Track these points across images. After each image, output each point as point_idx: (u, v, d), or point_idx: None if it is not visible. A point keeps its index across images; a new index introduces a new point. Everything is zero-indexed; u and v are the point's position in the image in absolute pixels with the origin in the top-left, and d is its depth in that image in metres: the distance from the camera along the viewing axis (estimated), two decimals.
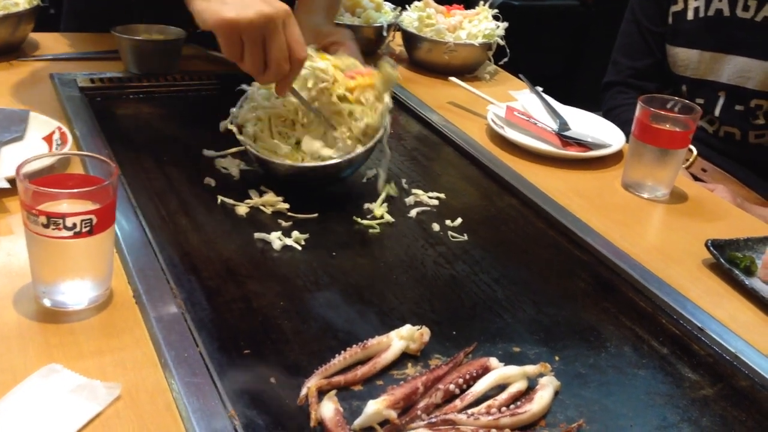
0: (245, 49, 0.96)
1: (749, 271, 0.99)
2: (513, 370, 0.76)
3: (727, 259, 1.00)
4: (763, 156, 1.62)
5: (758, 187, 1.60)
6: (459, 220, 1.06)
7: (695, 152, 1.50)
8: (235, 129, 1.07)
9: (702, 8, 1.59)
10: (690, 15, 1.61)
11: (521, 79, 1.56)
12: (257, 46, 0.95)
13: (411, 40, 1.62)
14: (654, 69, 1.71)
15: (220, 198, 1.03)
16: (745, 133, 1.61)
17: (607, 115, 1.74)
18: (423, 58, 1.60)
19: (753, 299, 0.95)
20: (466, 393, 0.73)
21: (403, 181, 1.14)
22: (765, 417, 0.78)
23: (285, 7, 0.97)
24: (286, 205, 1.03)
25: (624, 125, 1.38)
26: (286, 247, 0.95)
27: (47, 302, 0.78)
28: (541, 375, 0.76)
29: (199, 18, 0.97)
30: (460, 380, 0.74)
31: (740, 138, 1.62)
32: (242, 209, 1.02)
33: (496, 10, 1.65)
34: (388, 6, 1.67)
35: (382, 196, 1.07)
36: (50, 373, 0.69)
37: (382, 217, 1.04)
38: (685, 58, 1.63)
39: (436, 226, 1.04)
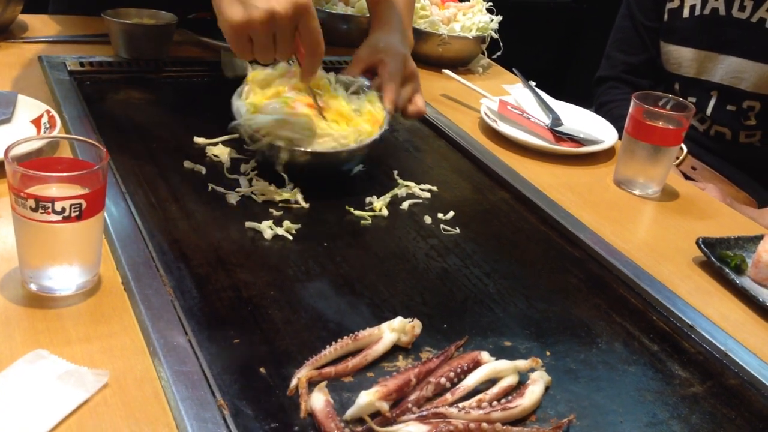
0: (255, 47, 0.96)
1: (739, 270, 0.99)
2: (504, 364, 0.75)
3: (718, 258, 1.00)
4: (753, 156, 1.62)
5: (747, 187, 1.60)
6: (451, 213, 1.05)
7: (685, 150, 1.51)
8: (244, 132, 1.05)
9: (698, 6, 1.59)
10: (686, 13, 1.60)
11: (515, 74, 1.55)
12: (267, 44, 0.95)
13: None
14: (647, 65, 1.71)
15: (210, 186, 1.02)
16: (735, 133, 1.62)
17: (599, 110, 1.74)
18: (416, 49, 1.58)
19: (743, 298, 0.95)
20: (457, 386, 0.73)
21: (395, 173, 1.13)
22: (754, 415, 0.78)
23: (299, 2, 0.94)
24: (283, 193, 1.02)
25: (616, 121, 1.38)
26: (276, 237, 0.94)
27: (34, 287, 0.76)
28: (532, 370, 0.76)
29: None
30: (451, 374, 0.74)
31: (731, 138, 1.63)
32: (233, 197, 1.01)
33: (490, 3, 1.65)
34: None
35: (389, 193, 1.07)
36: (37, 359, 0.68)
37: (380, 210, 1.03)
38: (679, 56, 1.63)
39: (428, 219, 1.04)
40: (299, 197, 1.02)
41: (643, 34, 1.69)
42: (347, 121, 1.06)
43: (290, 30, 0.95)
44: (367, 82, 1.14)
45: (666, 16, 1.64)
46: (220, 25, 0.96)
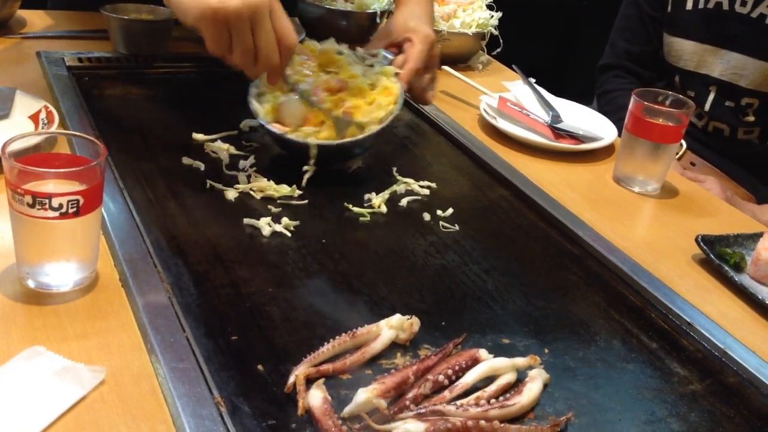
0: (233, 41, 0.94)
1: (739, 268, 0.99)
2: (502, 361, 0.75)
3: (717, 255, 1.00)
4: (752, 152, 1.62)
5: (746, 183, 1.60)
6: (450, 210, 1.05)
7: (685, 145, 1.51)
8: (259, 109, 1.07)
9: None
10: (689, 5, 1.60)
11: (514, 70, 1.55)
12: (245, 35, 0.93)
13: None
14: (650, 56, 1.70)
15: (209, 182, 1.02)
16: (734, 129, 1.61)
17: (600, 98, 1.73)
18: None
19: (742, 295, 0.95)
20: (455, 384, 0.73)
21: (394, 169, 1.13)
22: (753, 413, 0.78)
23: None
24: (282, 189, 1.02)
25: (619, 110, 1.37)
26: (275, 234, 0.94)
27: (31, 283, 0.76)
28: (531, 367, 0.76)
29: (179, 10, 0.95)
30: (450, 371, 0.73)
31: (729, 134, 1.62)
32: (231, 194, 1.01)
33: (490, 0, 1.64)
34: None
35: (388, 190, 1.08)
36: (33, 356, 0.68)
37: (379, 207, 1.03)
38: (680, 49, 1.62)
39: (426, 216, 1.04)
40: (298, 193, 1.02)
41: (647, 23, 1.68)
42: (364, 97, 1.08)
43: (268, 19, 0.93)
44: (390, 56, 1.14)
45: (670, 7, 1.63)
46: (190, 15, 0.94)
